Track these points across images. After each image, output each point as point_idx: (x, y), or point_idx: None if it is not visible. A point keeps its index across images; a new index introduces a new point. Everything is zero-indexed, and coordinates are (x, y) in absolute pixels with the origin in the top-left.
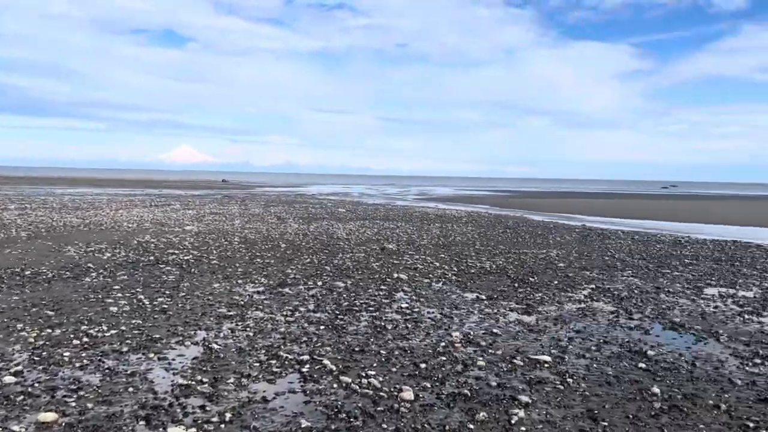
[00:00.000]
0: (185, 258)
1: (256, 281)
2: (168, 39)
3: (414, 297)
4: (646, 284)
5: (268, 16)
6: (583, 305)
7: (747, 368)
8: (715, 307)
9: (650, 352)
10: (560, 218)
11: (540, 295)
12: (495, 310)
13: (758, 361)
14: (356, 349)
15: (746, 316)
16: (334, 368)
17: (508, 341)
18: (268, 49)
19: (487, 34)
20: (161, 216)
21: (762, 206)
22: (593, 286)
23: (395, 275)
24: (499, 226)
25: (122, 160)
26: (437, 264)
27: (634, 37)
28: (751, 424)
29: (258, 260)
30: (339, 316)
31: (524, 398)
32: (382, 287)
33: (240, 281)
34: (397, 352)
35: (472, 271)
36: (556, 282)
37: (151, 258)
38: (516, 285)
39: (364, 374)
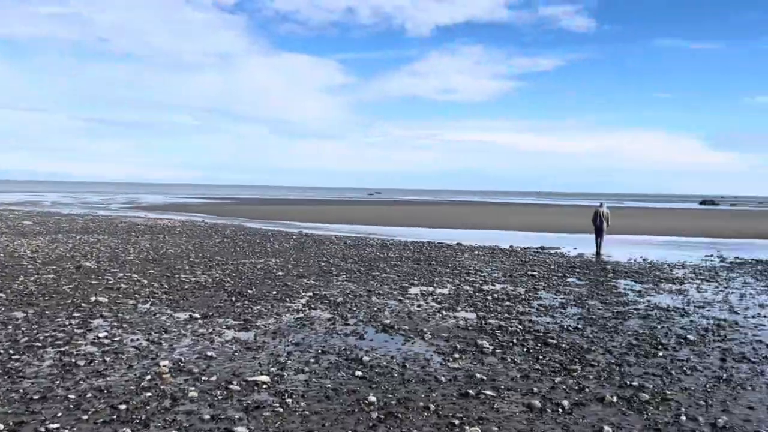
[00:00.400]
0: None
1: None
2: None
3: (115, 323)
4: (359, 288)
5: None
6: (301, 315)
7: (449, 364)
8: (419, 305)
9: (365, 358)
10: (278, 225)
11: (258, 308)
12: (210, 330)
13: (457, 355)
14: (35, 397)
15: (444, 313)
16: (1, 427)
17: (224, 364)
18: None
19: (200, 37)
20: None
21: (447, 210)
22: (311, 293)
23: (93, 298)
24: (216, 236)
25: None
26: (145, 281)
27: (340, 54)
28: (456, 422)
29: None
30: (14, 357)
31: (240, 429)
32: (75, 314)
33: None
34: (90, 394)
35: (186, 286)
36: (274, 292)
37: None
38: (233, 299)
39: (43, 429)
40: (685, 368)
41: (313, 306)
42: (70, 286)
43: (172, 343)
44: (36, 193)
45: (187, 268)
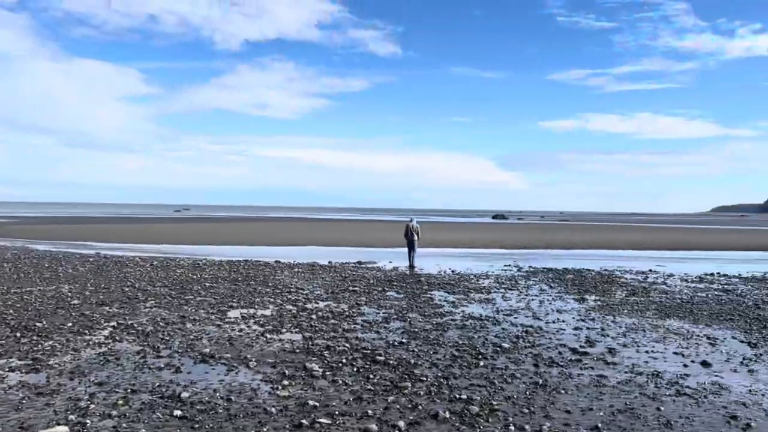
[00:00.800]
0: None
1: None
2: None
3: None
4: (172, 314)
5: None
6: (104, 348)
7: (278, 392)
8: (240, 330)
9: (184, 394)
10: (71, 246)
11: (51, 343)
12: None
13: (286, 382)
14: None
15: (268, 336)
16: None
17: (8, 416)
18: None
19: None
20: None
21: (262, 227)
22: (114, 323)
23: None
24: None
25: None
26: None
27: (142, 63)
28: None
29: None
30: None
31: None
32: None
33: None
34: None
35: None
36: (70, 324)
37: None
38: (18, 335)
39: None
40: (505, 376)
41: (117, 338)
42: None
43: None
44: None
45: None
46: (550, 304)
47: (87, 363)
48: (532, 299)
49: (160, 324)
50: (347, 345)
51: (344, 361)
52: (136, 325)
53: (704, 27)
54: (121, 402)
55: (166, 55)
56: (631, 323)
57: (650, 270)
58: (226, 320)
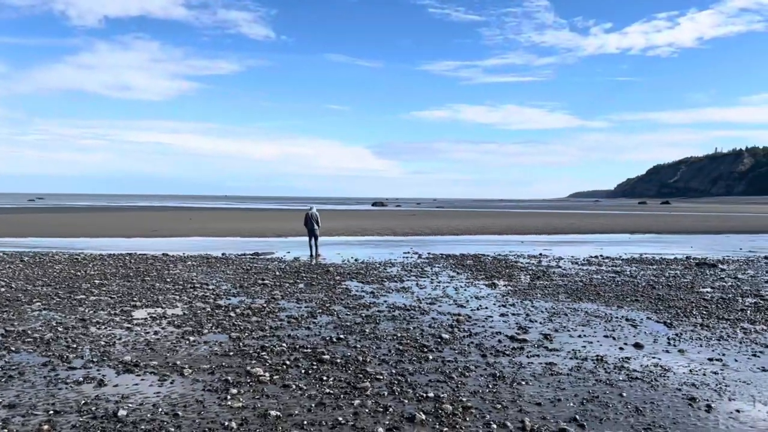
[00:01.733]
0: None
1: None
2: None
3: None
4: (67, 317)
5: None
6: (0, 360)
7: (230, 403)
8: (155, 332)
9: (121, 412)
10: None
11: None
12: None
13: (234, 390)
14: None
15: (190, 338)
16: None
17: None
18: None
19: None
20: None
21: (133, 216)
22: (2, 330)
23: None
24: None
25: None
26: None
27: None
28: None
29: None
30: None
31: None
32: None
33: None
34: None
35: None
36: (12, 323)
37: None
38: None
39: None
40: (459, 369)
41: (12, 347)
42: None
43: None
44: None
45: None
46: (465, 290)
47: None
48: (446, 286)
49: (59, 329)
50: (282, 344)
51: (287, 362)
52: (29, 332)
53: (563, 24)
54: (46, 428)
55: (14, 30)
56: (550, 307)
57: (540, 254)
58: (135, 322)
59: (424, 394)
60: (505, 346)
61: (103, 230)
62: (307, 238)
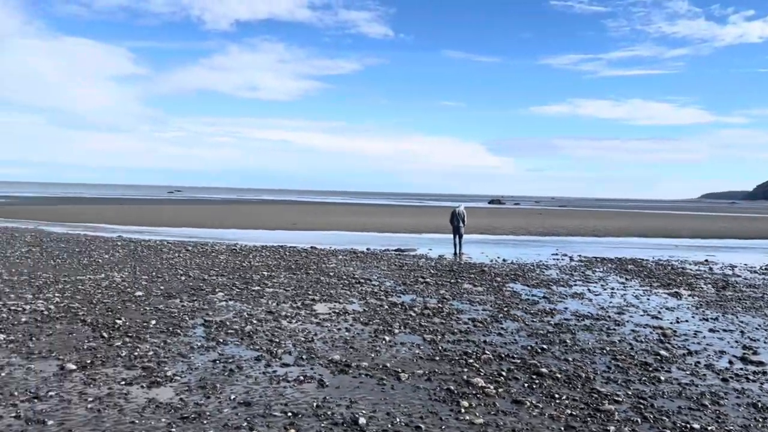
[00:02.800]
0: None
1: None
2: None
3: None
4: (254, 308)
5: None
6: (214, 354)
7: (465, 417)
8: (347, 329)
9: (362, 420)
10: (87, 229)
11: (148, 346)
12: (106, 390)
13: (465, 403)
14: None
15: (385, 338)
16: None
17: None
18: None
19: None
20: None
21: (269, 210)
22: (200, 320)
23: None
24: (17, 244)
25: None
26: None
27: (131, 42)
28: None
29: None
30: None
31: None
32: None
33: None
34: None
35: (23, 319)
36: (154, 322)
37: None
38: (105, 335)
39: None
40: (706, 395)
41: (219, 339)
42: None
43: (61, 420)
44: None
45: (6, 290)
46: (648, 299)
47: (210, 374)
48: (623, 294)
49: (253, 321)
50: (484, 351)
51: (502, 373)
52: (227, 323)
53: (697, 13)
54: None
55: (156, 35)
56: (763, 324)
57: (706, 260)
58: (320, 317)
59: (686, 425)
60: (741, 368)
61: (246, 222)
62: (450, 236)
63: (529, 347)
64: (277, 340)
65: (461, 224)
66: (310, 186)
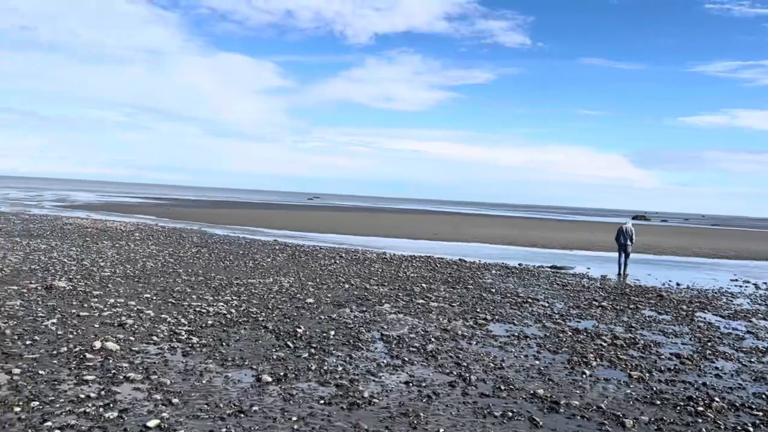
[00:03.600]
0: None
1: None
2: None
3: (154, 393)
4: (426, 323)
5: None
6: (402, 374)
7: None
8: (534, 357)
9: None
10: (245, 232)
11: (334, 360)
12: (307, 408)
13: None
14: None
15: (584, 371)
16: None
17: None
18: None
19: (130, 31)
20: None
21: (409, 219)
22: (376, 333)
23: (96, 344)
24: (187, 244)
25: None
26: (150, 312)
27: (278, 56)
28: None
29: None
30: None
31: None
32: (85, 375)
33: None
34: None
35: (209, 321)
36: (332, 333)
37: None
38: (289, 344)
39: None
40: None
41: (404, 357)
42: (53, 320)
43: None
44: None
45: (188, 289)
46: None
47: (406, 399)
48: None
49: (430, 339)
50: (714, 399)
51: (749, 429)
52: (406, 339)
53: None
54: None
55: (300, 49)
56: None
57: None
58: (500, 339)
59: None
60: None
61: (388, 231)
62: (614, 254)
63: (763, 395)
64: (465, 363)
65: (629, 242)
66: (441, 196)
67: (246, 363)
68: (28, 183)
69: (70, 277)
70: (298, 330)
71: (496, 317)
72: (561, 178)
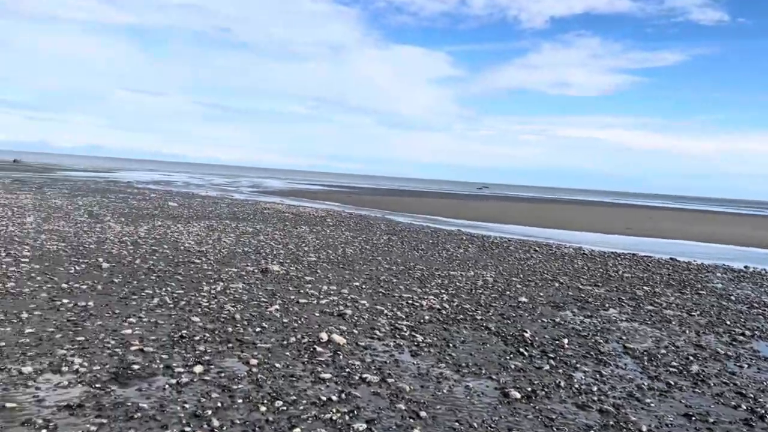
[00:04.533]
0: None
1: (60, 368)
2: None
3: (396, 404)
4: (669, 336)
5: None
6: (673, 400)
7: None
8: None
9: None
10: (426, 221)
11: (582, 376)
12: None
13: None
14: None
15: None
16: None
17: None
18: (74, 19)
19: (313, 28)
20: None
21: (592, 211)
22: (618, 344)
23: (323, 335)
24: (377, 231)
25: None
26: (365, 302)
27: (451, 46)
28: None
29: (63, 301)
30: None
31: None
32: (321, 372)
33: (18, 372)
34: None
35: (426, 315)
36: (566, 341)
37: None
38: (523, 351)
39: None
40: None
41: (664, 378)
42: (276, 306)
43: None
44: (164, 172)
45: (393, 279)
46: None
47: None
48: None
49: (689, 358)
50: None
51: None
52: (657, 356)
53: None
54: None
55: (473, 38)
56: None
57: None
58: None
59: None
60: None
61: (574, 224)
62: None
63: None
64: (748, 393)
65: None
66: (618, 187)
67: (483, 371)
68: (228, 170)
69: (281, 261)
70: (525, 334)
71: (756, 333)
72: (759, 170)
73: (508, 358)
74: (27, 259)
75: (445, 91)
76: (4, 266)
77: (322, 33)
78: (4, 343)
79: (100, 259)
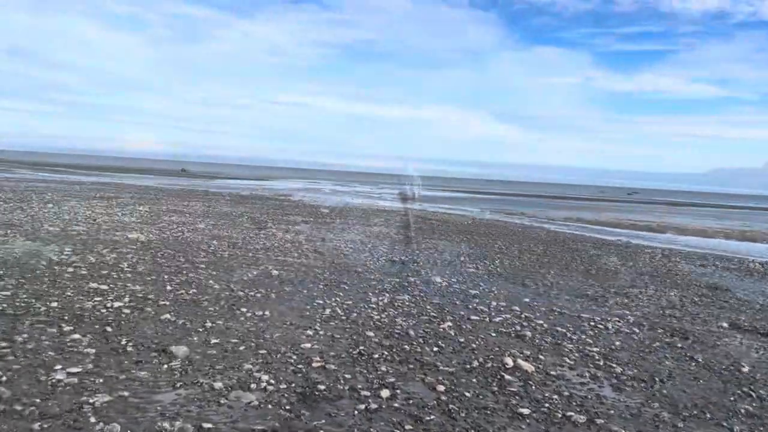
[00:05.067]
0: (115, 305)
1: (249, 385)
2: None
3: None
4: None
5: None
6: None
7: None
8: None
9: None
10: (584, 230)
11: None
12: None
13: None
14: None
15: None
16: None
17: None
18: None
19: (453, 37)
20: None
21: None
22: None
23: (508, 360)
24: (531, 241)
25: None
26: (542, 322)
27: (592, 47)
28: None
29: (242, 310)
30: None
31: None
32: (516, 405)
33: (210, 387)
34: None
35: (615, 341)
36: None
37: (47, 307)
38: (751, 390)
39: None
40: None
41: None
42: (448, 323)
43: None
44: (310, 180)
45: (565, 296)
46: None
47: None
48: None
49: None
50: None
51: None
52: None
53: None
54: None
55: (620, 38)
56: None
57: None
58: None
59: None
60: None
61: None
62: None
63: None
64: None
65: None
66: None
67: (707, 415)
68: (367, 177)
69: (438, 272)
70: (742, 369)
71: None
72: None
73: (732, 399)
74: (204, 265)
75: (584, 93)
76: (184, 272)
77: (461, 39)
78: (194, 354)
79: (270, 266)
